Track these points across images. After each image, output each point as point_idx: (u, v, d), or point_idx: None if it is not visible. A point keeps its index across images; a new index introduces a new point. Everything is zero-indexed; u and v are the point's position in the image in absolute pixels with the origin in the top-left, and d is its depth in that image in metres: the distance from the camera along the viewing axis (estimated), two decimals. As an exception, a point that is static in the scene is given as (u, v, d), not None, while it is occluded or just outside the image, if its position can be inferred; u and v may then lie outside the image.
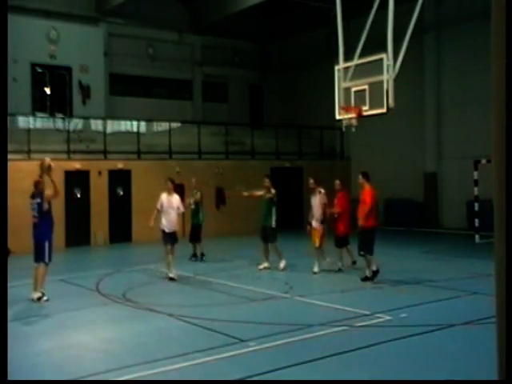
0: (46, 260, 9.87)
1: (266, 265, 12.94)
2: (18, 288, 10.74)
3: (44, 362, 6.87)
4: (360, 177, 11.35)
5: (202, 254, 14.78)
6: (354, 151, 25.05)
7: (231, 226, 20.43)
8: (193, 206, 14.69)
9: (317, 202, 12.30)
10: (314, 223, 12.35)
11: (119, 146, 19.92)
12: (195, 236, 14.80)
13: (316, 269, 12.20)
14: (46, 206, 9.85)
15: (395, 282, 11.29)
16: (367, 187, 11.16)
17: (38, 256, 9.94)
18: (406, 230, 21.30)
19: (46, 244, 9.80)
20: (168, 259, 11.96)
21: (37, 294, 9.86)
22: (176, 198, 12.08)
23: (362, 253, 11.18)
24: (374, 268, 11.11)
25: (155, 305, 9.56)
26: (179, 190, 11.92)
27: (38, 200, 9.89)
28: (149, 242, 18.58)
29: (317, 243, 12.24)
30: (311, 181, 12.59)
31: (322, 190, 12.35)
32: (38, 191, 9.95)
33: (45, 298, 9.90)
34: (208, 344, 7.18)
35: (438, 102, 22.08)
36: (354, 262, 12.73)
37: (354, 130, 11.84)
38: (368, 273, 11.15)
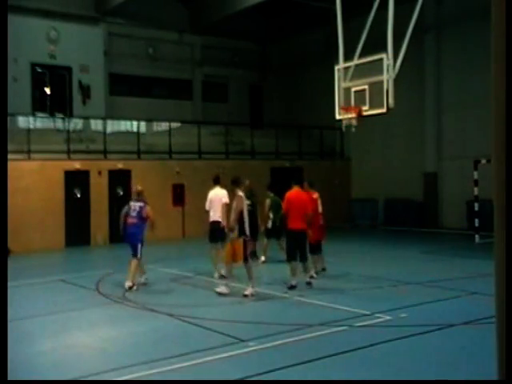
0: (139, 256, 11.06)
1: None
2: (18, 288, 10.76)
3: (44, 362, 6.88)
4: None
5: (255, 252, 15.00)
6: (354, 151, 25.06)
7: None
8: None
9: (233, 206, 10.22)
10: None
11: (119, 146, 19.94)
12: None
13: (222, 289, 10.22)
14: (145, 213, 11.15)
15: (395, 282, 11.30)
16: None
17: (133, 252, 11.09)
18: (406, 229, 21.31)
19: (139, 245, 11.08)
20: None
21: (128, 283, 10.83)
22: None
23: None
24: (293, 282, 10.56)
25: (155, 305, 9.56)
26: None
27: (141, 204, 11.19)
28: (148, 242, 18.63)
29: (237, 257, 10.20)
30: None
31: (241, 193, 10.21)
32: (140, 197, 11.30)
33: (134, 287, 10.86)
34: (208, 344, 7.18)
35: (438, 102, 22.07)
36: (324, 269, 12.16)
37: (354, 130, 11.84)
38: (294, 281, 10.60)
